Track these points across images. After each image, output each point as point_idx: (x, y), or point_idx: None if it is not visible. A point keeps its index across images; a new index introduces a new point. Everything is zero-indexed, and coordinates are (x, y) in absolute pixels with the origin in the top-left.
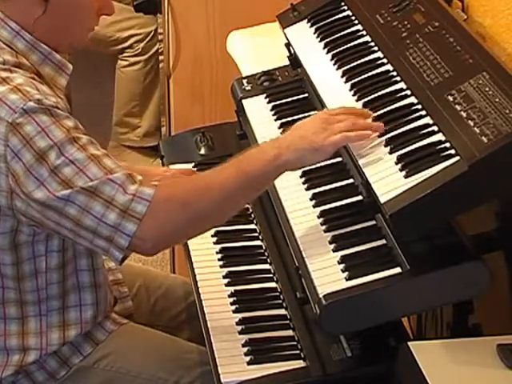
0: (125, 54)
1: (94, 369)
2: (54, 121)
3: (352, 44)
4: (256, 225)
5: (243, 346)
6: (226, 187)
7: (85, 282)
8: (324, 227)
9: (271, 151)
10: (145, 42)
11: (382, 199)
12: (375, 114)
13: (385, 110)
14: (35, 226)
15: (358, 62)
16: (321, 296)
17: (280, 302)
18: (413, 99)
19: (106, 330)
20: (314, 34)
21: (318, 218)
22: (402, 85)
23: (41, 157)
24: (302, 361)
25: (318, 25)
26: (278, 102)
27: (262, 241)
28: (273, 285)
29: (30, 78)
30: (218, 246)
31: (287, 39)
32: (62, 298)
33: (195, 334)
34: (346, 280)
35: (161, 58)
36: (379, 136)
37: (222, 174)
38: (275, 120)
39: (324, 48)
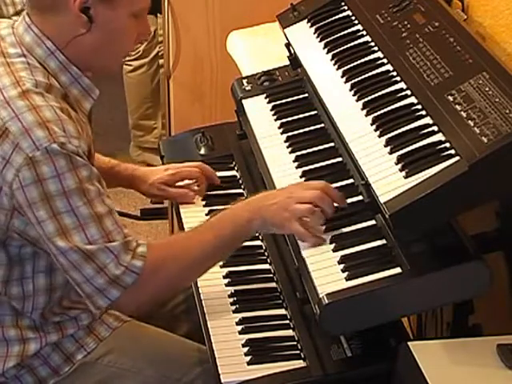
0: (127, 58)
1: (96, 364)
2: (71, 168)
3: (352, 44)
4: None
5: (243, 346)
6: (204, 254)
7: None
8: (324, 227)
9: (244, 214)
10: (145, 43)
11: (382, 199)
12: (375, 115)
13: (385, 110)
14: (29, 242)
15: (358, 62)
16: (321, 296)
17: (280, 302)
18: (413, 99)
19: (109, 327)
20: (314, 33)
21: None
22: (402, 85)
23: (47, 199)
24: (302, 361)
25: (318, 25)
26: (278, 102)
27: (261, 241)
28: (273, 285)
29: (59, 109)
30: None
31: (287, 39)
32: (48, 293)
33: (194, 326)
34: (346, 280)
35: (161, 61)
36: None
37: (200, 240)
38: (275, 120)
39: (324, 48)
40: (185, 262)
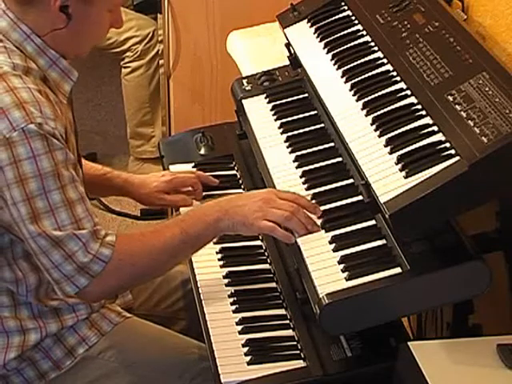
0: (126, 60)
1: (98, 359)
2: (48, 150)
3: (352, 44)
4: None
5: (243, 346)
6: (169, 248)
7: None
8: (324, 227)
9: (213, 214)
10: (143, 44)
11: (382, 199)
12: (375, 115)
13: (385, 109)
14: (4, 229)
15: (358, 62)
16: (321, 296)
17: (280, 301)
18: (413, 99)
19: (111, 322)
20: (314, 34)
21: (318, 218)
22: (401, 85)
23: (21, 180)
24: (302, 361)
25: (318, 25)
26: (278, 102)
27: (261, 241)
28: (273, 285)
29: (37, 91)
30: (218, 246)
31: (287, 39)
32: (36, 273)
33: (193, 322)
34: (346, 280)
35: (161, 62)
36: (383, 138)
37: (166, 234)
38: (275, 120)
39: (324, 48)
40: (150, 257)
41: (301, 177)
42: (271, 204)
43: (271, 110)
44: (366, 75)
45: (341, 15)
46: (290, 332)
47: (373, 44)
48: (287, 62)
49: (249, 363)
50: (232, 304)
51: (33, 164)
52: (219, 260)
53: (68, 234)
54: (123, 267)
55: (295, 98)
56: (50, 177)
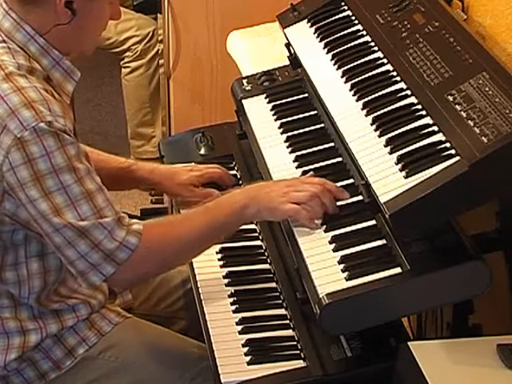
0: (125, 60)
1: (98, 359)
2: (60, 146)
3: (352, 44)
4: (256, 225)
5: (243, 346)
6: (196, 236)
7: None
8: (324, 227)
9: (240, 200)
10: (143, 43)
11: (382, 199)
12: (375, 115)
13: (385, 109)
14: (20, 225)
15: (358, 62)
16: (321, 296)
17: (280, 301)
18: (413, 99)
19: (110, 322)
20: (314, 34)
21: (318, 218)
22: (401, 85)
23: (37, 178)
24: (302, 361)
25: (318, 25)
26: (278, 102)
27: (261, 241)
28: (273, 285)
29: (43, 90)
30: (218, 246)
31: (287, 39)
32: (43, 276)
33: (192, 322)
34: (346, 280)
35: (161, 62)
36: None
37: (193, 222)
38: (275, 120)
39: (324, 48)
40: (178, 245)
41: (301, 176)
42: (296, 187)
43: (271, 110)
44: (366, 75)
45: (341, 15)
46: (290, 332)
47: (373, 44)
48: (287, 62)
49: (249, 363)
50: (232, 304)
51: (47, 162)
52: (219, 260)
53: (93, 224)
54: (150, 256)
55: (295, 97)
56: (65, 172)
